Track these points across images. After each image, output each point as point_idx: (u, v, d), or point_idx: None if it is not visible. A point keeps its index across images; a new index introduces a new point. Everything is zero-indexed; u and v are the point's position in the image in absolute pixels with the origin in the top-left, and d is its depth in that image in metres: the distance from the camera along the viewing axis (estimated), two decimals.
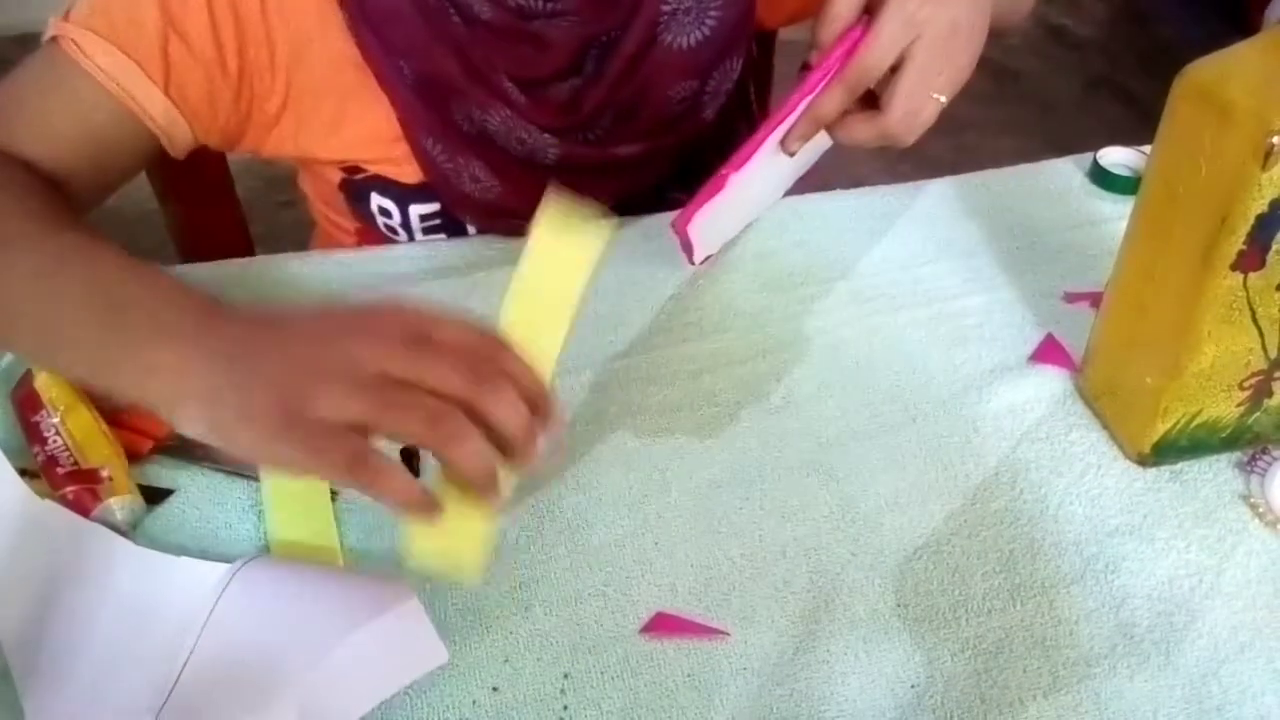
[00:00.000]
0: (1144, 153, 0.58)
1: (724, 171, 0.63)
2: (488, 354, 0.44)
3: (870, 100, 0.61)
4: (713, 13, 0.75)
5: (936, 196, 0.82)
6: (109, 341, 0.49)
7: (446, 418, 0.42)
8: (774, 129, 0.62)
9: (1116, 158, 0.85)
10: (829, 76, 0.60)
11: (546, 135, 0.74)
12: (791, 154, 0.63)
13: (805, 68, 0.61)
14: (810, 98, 0.61)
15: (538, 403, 0.44)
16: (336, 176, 0.79)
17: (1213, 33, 0.63)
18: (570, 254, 0.49)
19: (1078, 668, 0.52)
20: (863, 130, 0.61)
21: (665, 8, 0.73)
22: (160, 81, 0.65)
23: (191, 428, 0.45)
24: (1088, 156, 0.86)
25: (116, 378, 0.48)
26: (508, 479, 0.44)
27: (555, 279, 0.49)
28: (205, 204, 0.90)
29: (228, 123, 0.70)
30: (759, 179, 0.69)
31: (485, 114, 0.72)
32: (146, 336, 0.48)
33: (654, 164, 0.80)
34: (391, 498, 0.42)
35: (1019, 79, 0.80)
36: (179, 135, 0.68)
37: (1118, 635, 0.53)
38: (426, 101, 0.72)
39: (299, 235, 0.93)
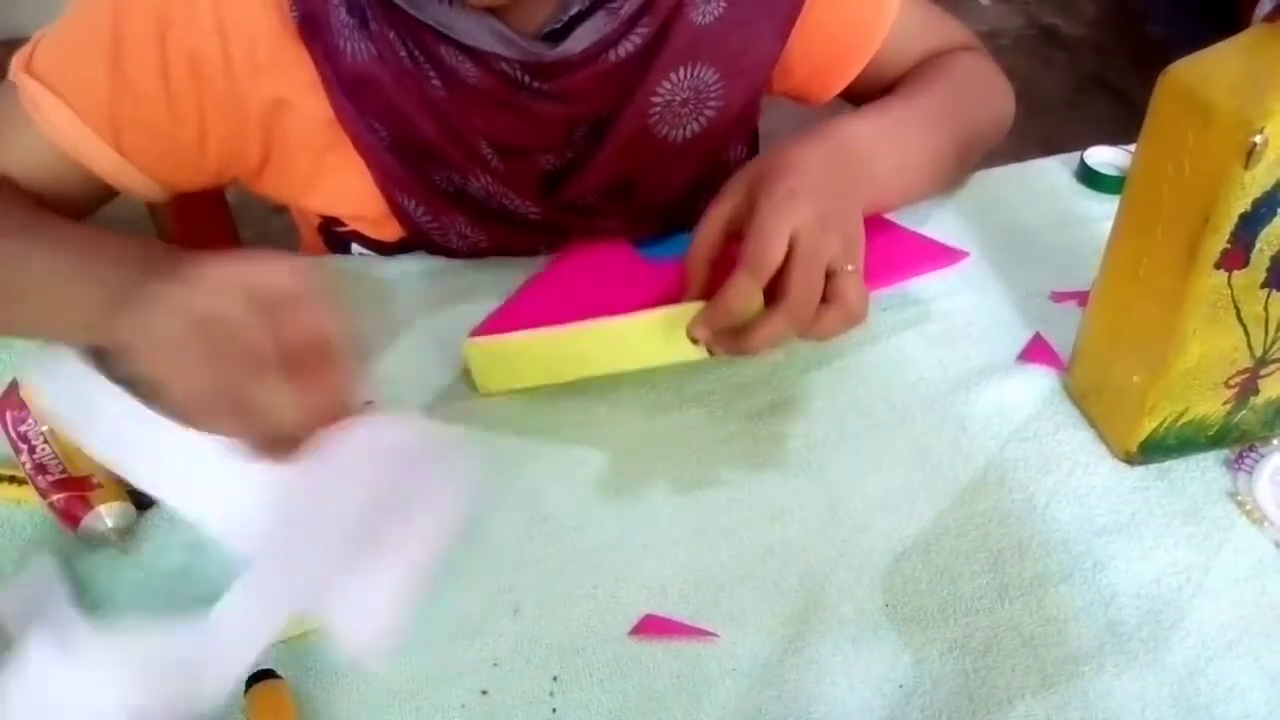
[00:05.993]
0: (1131, 152, 0.58)
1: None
2: (320, 351, 0.45)
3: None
4: (712, 103, 0.73)
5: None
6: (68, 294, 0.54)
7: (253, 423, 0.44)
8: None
9: (1104, 157, 0.86)
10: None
11: (528, 202, 0.73)
12: (695, 340, 0.60)
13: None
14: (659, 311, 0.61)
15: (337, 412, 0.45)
16: (316, 220, 0.78)
17: (1203, 31, 0.64)
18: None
19: (1066, 666, 0.52)
20: (776, 324, 0.58)
21: (657, 99, 0.71)
22: (111, 140, 0.65)
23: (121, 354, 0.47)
24: (1075, 156, 0.87)
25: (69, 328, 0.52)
26: None
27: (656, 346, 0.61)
28: (195, 209, 0.90)
29: (201, 172, 0.69)
30: None
31: (464, 179, 0.71)
32: (76, 282, 0.53)
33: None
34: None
35: (1010, 78, 0.81)
36: (139, 186, 0.68)
37: (1105, 634, 0.53)
38: (405, 163, 0.70)
39: (289, 240, 0.93)
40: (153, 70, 0.64)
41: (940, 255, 0.71)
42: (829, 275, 0.58)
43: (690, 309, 0.60)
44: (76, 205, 0.67)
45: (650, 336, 0.61)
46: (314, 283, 0.46)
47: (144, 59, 0.63)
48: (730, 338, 0.59)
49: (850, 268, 0.59)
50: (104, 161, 0.66)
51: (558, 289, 0.71)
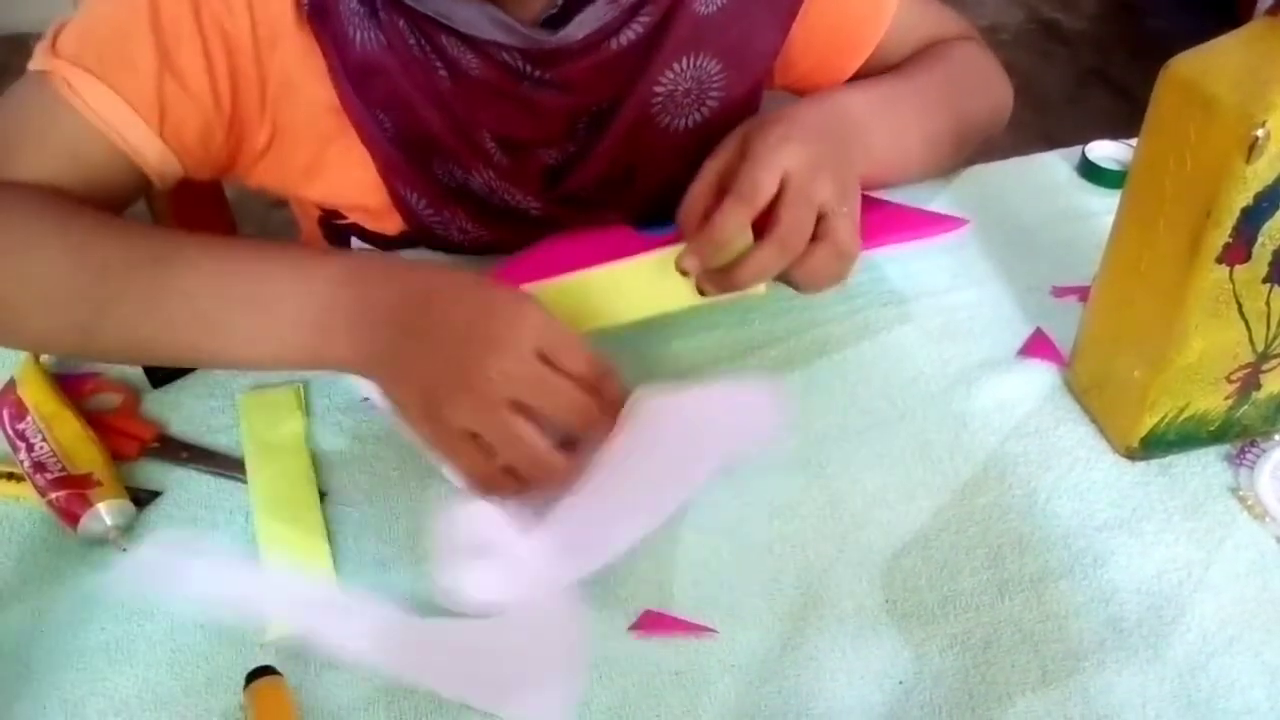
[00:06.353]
0: (1132, 146, 0.58)
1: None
2: (599, 387, 0.53)
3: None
4: (714, 93, 0.73)
5: (925, 190, 0.82)
6: (261, 322, 0.55)
7: (544, 470, 0.52)
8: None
9: (1105, 151, 0.85)
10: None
11: (529, 197, 0.73)
12: (684, 271, 0.60)
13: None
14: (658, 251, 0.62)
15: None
16: (315, 213, 0.78)
17: (1204, 25, 0.63)
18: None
19: (1066, 662, 0.52)
20: (765, 255, 0.59)
21: (659, 89, 0.71)
22: (155, 124, 0.63)
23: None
24: (1076, 150, 0.86)
25: (285, 353, 0.55)
26: None
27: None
28: (195, 204, 0.90)
29: (218, 157, 0.68)
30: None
31: (467, 173, 0.71)
32: (296, 310, 0.55)
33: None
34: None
35: (1010, 73, 0.81)
36: (171, 173, 0.66)
37: (1106, 629, 0.53)
38: (408, 156, 0.70)
39: (289, 235, 0.93)
40: (194, 47, 0.63)
41: (938, 222, 0.71)
42: (821, 216, 0.58)
43: (681, 249, 0.60)
44: (112, 201, 0.64)
45: (641, 281, 0.61)
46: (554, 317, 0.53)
47: (185, 36, 0.62)
48: (719, 276, 0.60)
49: (844, 210, 0.59)
50: (147, 148, 0.63)
51: (551, 258, 0.70)
